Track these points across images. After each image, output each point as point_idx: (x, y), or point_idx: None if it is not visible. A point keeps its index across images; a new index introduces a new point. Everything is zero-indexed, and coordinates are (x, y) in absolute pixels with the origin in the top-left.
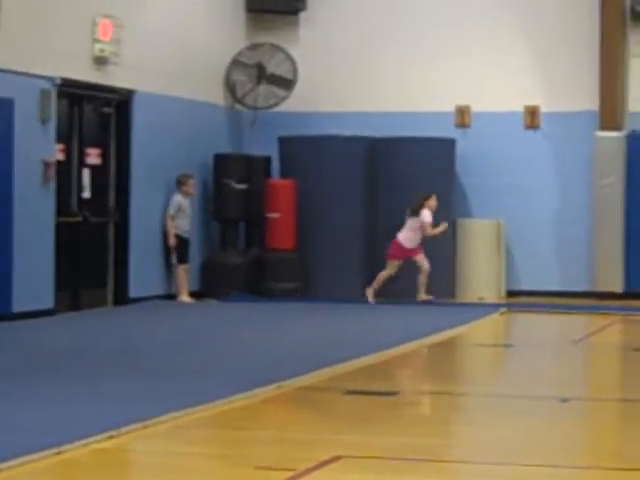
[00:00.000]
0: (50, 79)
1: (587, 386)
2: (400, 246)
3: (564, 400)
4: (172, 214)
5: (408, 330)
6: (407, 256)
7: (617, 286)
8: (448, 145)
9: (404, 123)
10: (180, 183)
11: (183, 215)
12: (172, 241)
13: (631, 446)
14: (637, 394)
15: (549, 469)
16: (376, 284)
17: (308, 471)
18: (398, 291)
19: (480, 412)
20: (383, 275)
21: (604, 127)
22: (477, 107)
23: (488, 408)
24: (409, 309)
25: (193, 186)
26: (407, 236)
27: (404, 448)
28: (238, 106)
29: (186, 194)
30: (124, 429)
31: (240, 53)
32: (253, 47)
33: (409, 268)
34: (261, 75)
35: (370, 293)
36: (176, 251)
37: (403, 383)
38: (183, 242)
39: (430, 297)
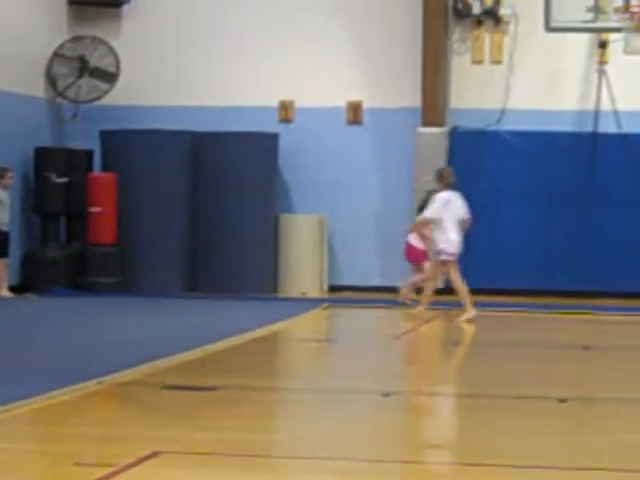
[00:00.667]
0: None
1: (409, 380)
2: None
3: (385, 394)
4: None
5: (230, 325)
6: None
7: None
8: (271, 140)
9: (228, 118)
10: None
11: (2, 208)
12: None
13: (454, 439)
14: (458, 388)
15: (371, 463)
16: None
17: (127, 467)
18: (220, 285)
19: (302, 407)
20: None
21: (426, 123)
22: (300, 102)
23: (310, 403)
24: (231, 304)
25: (11, 179)
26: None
27: (224, 443)
28: (59, 99)
29: (4, 187)
30: None
31: (62, 46)
32: (75, 40)
33: (233, 261)
34: (83, 68)
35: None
36: None
37: (223, 378)
38: (2, 235)
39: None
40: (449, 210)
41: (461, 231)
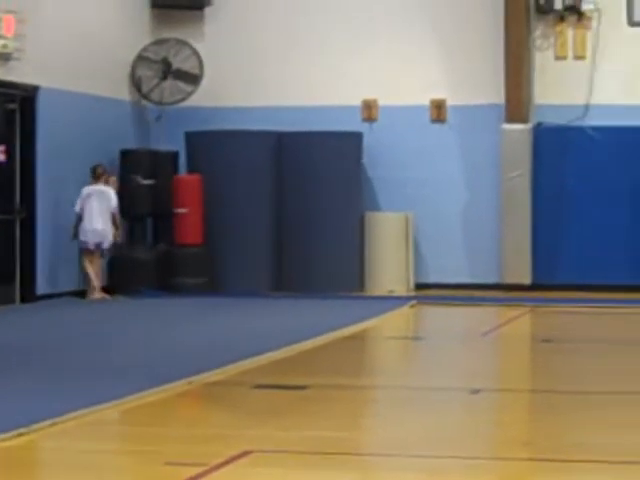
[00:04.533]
0: None
1: (497, 377)
2: None
3: (474, 391)
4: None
5: (318, 324)
6: None
7: (525, 278)
8: (355, 139)
9: (311, 117)
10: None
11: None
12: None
13: (541, 436)
14: (546, 385)
15: (461, 460)
16: None
17: (218, 466)
18: (307, 285)
19: (391, 405)
20: None
21: (510, 120)
22: (384, 101)
23: (399, 401)
24: (319, 303)
25: (115, 183)
26: None
27: (314, 442)
28: (144, 102)
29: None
30: (33, 427)
31: (145, 48)
32: (159, 42)
33: (320, 261)
34: (167, 70)
35: None
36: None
37: (312, 377)
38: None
39: None
40: None
41: None
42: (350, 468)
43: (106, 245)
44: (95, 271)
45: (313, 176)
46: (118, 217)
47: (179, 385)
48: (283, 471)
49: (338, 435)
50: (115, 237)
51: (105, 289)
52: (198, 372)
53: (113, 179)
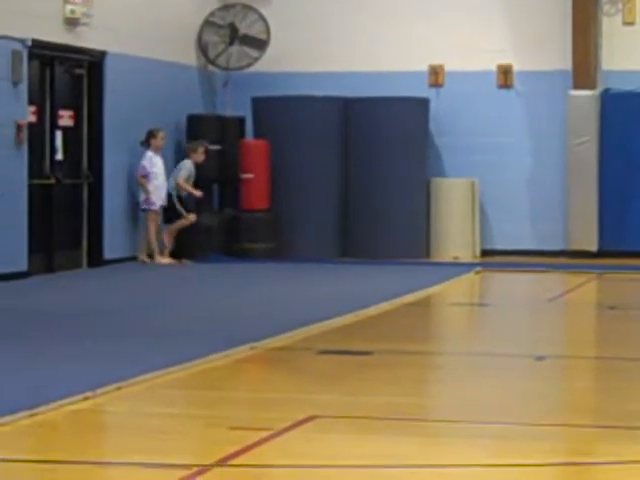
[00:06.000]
0: (21, 41)
1: (563, 344)
2: None
3: (540, 358)
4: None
5: (383, 290)
6: None
7: (591, 245)
8: (422, 105)
9: (377, 83)
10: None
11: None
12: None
13: (607, 403)
14: (612, 352)
15: (526, 427)
16: None
17: (283, 431)
18: (372, 251)
19: (456, 371)
20: None
21: (577, 86)
22: (450, 66)
23: (464, 367)
24: (384, 269)
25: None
26: None
27: (379, 407)
28: (211, 67)
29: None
30: (99, 390)
31: (212, 13)
32: (225, 7)
33: (385, 226)
34: (233, 36)
35: None
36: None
37: (377, 343)
38: (168, 201)
39: None
40: None
41: None
42: (414, 434)
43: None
44: (166, 234)
45: (379, 142)
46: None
47: (244, 350)
48: (348, 436)
49: (402, 401)
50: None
51: (173, 254)
52: (263, 337)
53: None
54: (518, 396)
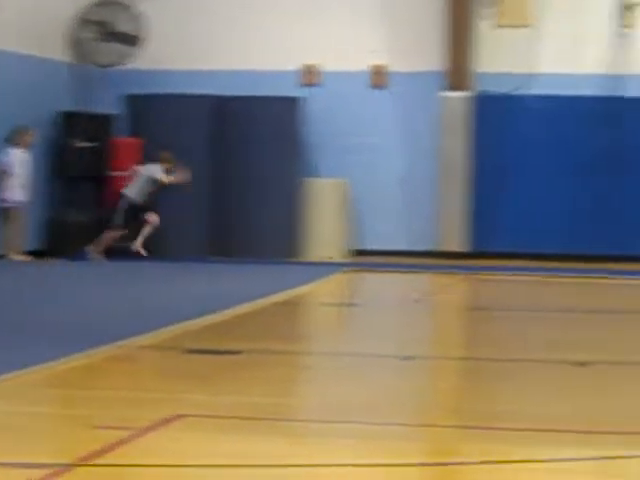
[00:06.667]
0: None
1: (430, 345)
2: None
3: (407, 358)
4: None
5: (252, 289)
6: None
7: (462, 246)
8: (295, 104)
9: (252, 82)
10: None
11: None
12: None
13: (473, 403)
14: (479, 352)
15: (393, 427)
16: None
17: (148, 430)
18: (244, 250)
19: (324, 371)
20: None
21: (451, 87)
22: (325, 66)
23: (332, 367)
24: (255, 268)
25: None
26: None
27: (246, 407)
28: (85, 63)
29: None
30: None
31: (87, 10)
32: (101, 4)
33: (257, 226)
34: (108, 32)
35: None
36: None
37: (246, 342)
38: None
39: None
40: None
41: None
42: (282, 434)
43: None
44: (17, 230)
45: (252, 141)
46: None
47: (111, 348)
48: (213, 436)
49: (270, 401)
50: None
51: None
52: (130, 336)
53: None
54: (385, 396)
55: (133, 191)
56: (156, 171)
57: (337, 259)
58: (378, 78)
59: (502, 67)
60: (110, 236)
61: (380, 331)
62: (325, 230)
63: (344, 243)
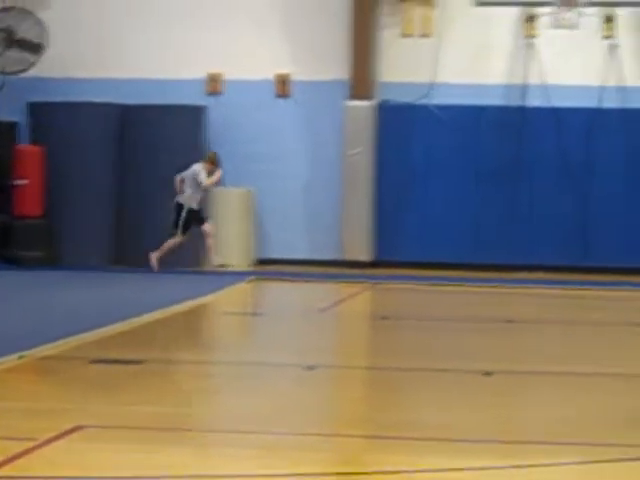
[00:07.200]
0: None
1: (333, 354)
2: None
3: (310, 368)
4: None
5: (156, 298)
6: None
7: (366, 255)
8: (199, 113)
9: (156, 90)
10: None
11: None
12: None
13: (377, 413)
14: (383, 362)
15: (296, 437)
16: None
17: (49, 441)
18: (147, 259)
19: (227, 380)
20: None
21: (355, 97)
22: (229, 75)
23: (235, 376)
24: (158, 278)
25: None
26: None
27: (150, 417)
28: None
29: None
30: None
31: None
32: (2, 11)
33: (160, 235)
34: (10, 39)
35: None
36: None
37: (149, 352)
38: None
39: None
40: None
41: None
42: (185, 444)
43: None
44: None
45: (156, 150)
46: None
47: (12, 359)
48: (115, 446)
49: (173, 411)
50: None
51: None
52: (31, 346)
53: None
54: (288, 406)
55: (186, 198)
56: (199, 172)
57: (241, 268)
58: (282, 87)
59: (406, 76)
60: (171, 244)
61: (284, 340)
62: (230, 239)
63: (249, 252)
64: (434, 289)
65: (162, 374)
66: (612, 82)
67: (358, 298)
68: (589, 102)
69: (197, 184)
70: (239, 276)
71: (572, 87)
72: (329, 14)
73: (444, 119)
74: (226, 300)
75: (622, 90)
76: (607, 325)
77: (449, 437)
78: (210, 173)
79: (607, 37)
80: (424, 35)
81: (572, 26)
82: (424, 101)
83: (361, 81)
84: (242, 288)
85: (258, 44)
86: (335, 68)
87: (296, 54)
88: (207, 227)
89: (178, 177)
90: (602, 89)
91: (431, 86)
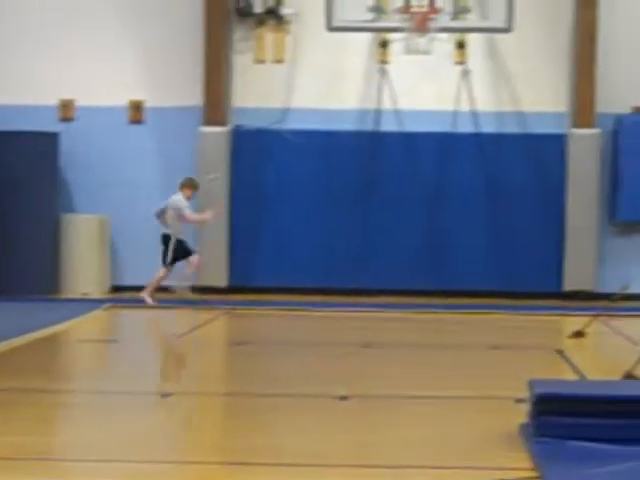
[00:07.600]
0: None
1: (190, 380)
2: None
3: (166, 395)
4: None
5: (9, 327)
6: None
7: (221, 280)
8: (51, 139)
9: (7, 116)
10: None
11: None
12: None
13: (232, 439)
14: (238, 388)
15: (156, 465)
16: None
17: None
18: (3, 287)
19: (81, 409)
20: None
21: (208, 122)
22: (82, 101)
23: (89, 405)
24: (11, 306)
25: None
26: None
27: (5, 446)
28: None
29: None
30: None
31: None
32: None
33: (12, 263)
34: None
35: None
36: None
37: (5, 380)
38: None
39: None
40: None
41: None
42: (39, 474)
43: None
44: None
45: (7, 177)
46: None
47: None
48: None
49: (27, 440)
50: None
51: None
52: None
53: None
54: (144, 434)
55: (171, 229)
56: (178, 201)
57: (96, 295)
58: (136, 113)
59: (260, 102)
60: (159, 277)
61: (140, 368)
62: (84, 266)
63: (103, 279)
64: (290, 314)
65: (14, 403)
66: (465, 107)
67: (214, 324)
68: (442, 127)
69: (178, 215)
70: (95, 303)
71: (425, 112)
72: (183, 41)
73: (298, 144)
74: (82, 327)
75: (474, 115)
76: (464, 348)
77: (306, 462)
78: (189, 198)
79: (459, 63)
80: (277, 61)
81: (425, 52)
82: (278, 126)
83: (215, 107)
84: (98, 315)
85: (112, 70)
86: (189, 94)
87: (150, 80)
88: (194, 259)
89: (157, 209)
90: (455, 114)
91: (285, 111)
